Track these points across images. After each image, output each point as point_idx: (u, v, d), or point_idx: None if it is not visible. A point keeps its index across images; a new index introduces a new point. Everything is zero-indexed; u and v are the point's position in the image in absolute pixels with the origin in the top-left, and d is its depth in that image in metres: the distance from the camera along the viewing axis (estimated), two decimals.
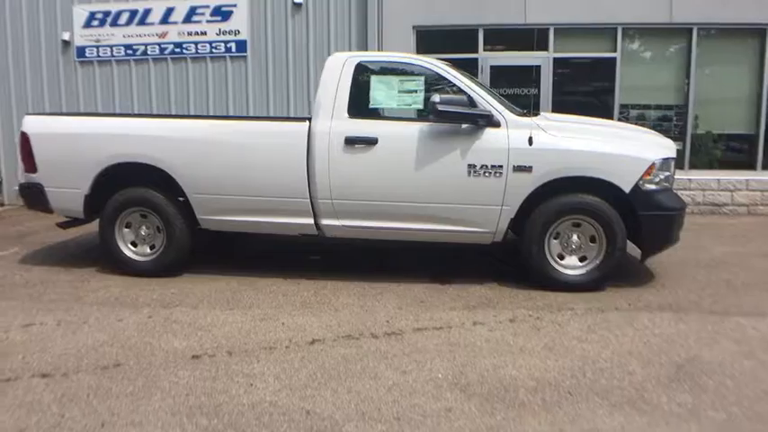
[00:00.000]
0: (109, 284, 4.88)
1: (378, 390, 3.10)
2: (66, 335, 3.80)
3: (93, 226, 5.49)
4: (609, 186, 4.55)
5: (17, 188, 8.07)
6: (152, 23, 8.46)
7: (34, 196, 5.17)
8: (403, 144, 4.63)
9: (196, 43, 8.47)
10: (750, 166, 7.99)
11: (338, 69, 4.75)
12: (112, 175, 4.95)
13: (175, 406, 2.91)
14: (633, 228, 4.65)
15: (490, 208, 4.63)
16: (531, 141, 4.55)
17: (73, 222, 5.49)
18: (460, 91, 4.64)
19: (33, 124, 5.15)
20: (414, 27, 8.10)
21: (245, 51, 8.43)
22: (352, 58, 4.81)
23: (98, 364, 3.38)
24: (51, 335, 3.80)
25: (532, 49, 7.97)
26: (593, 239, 4.67)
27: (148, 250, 5.08)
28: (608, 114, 7.80)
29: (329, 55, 8.09)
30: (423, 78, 4.76)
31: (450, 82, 4.71)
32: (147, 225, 5.05)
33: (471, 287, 4.84)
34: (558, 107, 7.64)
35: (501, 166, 4.55)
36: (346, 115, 4.69)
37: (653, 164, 4.57)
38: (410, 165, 4.62)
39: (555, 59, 7.93)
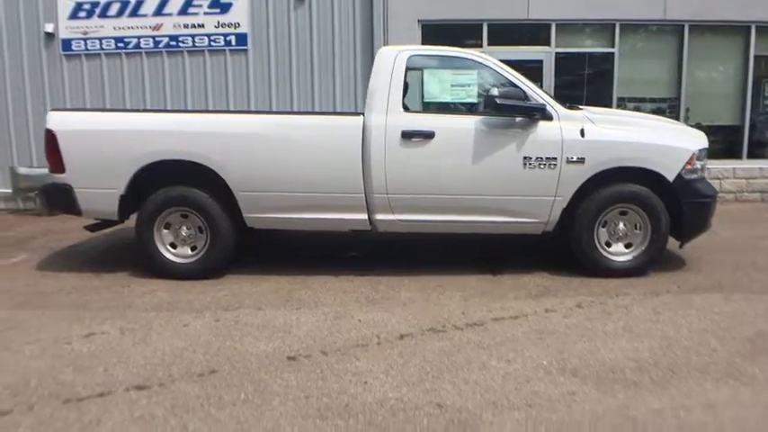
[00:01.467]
0: (152, 289, 4.65)
1: (494, 379, 3.12)
2: (137, 343, 3.60)
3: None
4: (654, 176, 4.73)
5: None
6: (145, 15, 8.05)
7: (61, 198, 4.84)
8: (459, 137, 4.64)
9: (193, 36, 8.13)
10: (736, 155, 8.50)
11: (390, 63, 4.70)
12: (150, 173, 4.72)
13: (301, 409, 2.81)
14: (673, 215, 4.87)
15: (544, 199, 4.71)
16: (583, 133, 4.66)
17: (102, 225, 5.20)
18: (513, 85, 4.69)
19: (60, 121, 4.82)
20: (419, 21, 8.10)
21: (246, 45, 8.17)
22: (404, 51, 4.76)
23: (191, 371, 3.22)
24: (120, 344, 3.58)
25: (535, 44, 8.15)
26: (637, 227, 4.85)
27: (189, 252, 4.87)
28: (607, 107, 8.07)
29: (333, 48, 8.14)
30: (475, 72, 4.79)
31: (502, 76, 4.75)
32: (189, 225, 4.83)
33: (523, 277, 4.93)
34: (559, 101, 7.84)
35: (555, 158, 4.64)
36: (401, 109, 4.65)
37: (693, 154, 4.78)
38: (466, 158, 4.64)
39: (557, 54, 8.14)
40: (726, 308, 4.19)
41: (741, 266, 5.20)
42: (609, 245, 4.87)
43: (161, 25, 8.08)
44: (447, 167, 4.64)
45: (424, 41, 8.16)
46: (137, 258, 5.49)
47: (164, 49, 8.16)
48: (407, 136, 4.60)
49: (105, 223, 5.20)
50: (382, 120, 4.62)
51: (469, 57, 4.85)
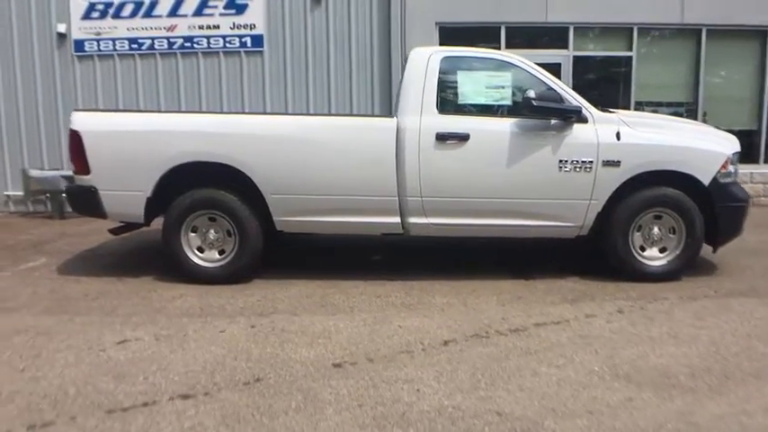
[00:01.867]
0: (181, 293, 4.54)
1: (548, 385, 3.03)
2: (174, 350, 3.49)
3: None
4: (689, 179, 4.68)
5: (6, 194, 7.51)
6: (159, 16, 7.96)
7: (85, 200, 4.72)
8: (495, 140, 4.57)
9: (208, 37, 8.04)
10: (753, 160, 8.47)
11: (423, 64, 4.62)
12: (176, 175, 4.62)
13: (357, 418, 2.71)
14: (706, 220, 4.81)
15: (579, 202, 4.64)
16: (618, 136, 4.60)
17: (125, 228, 5.09)
18: (547, 87, 4.63)
19: (86, 121, 4.70)
20: (437, 24, 8.05)
21: (262, 46, 8.09)
22: (438, 52, 4.69)
23: (235, 379, 3.11)
24: (157, 351, 3.47)
25: (553, 47, 8.11)
26: (672, 231, 4.79)
27: (217, 256, 4.76)
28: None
29: (350, 50, 8.07)
30: (509, 74, 4.71)
31: (537, 78, 4.68)
32: (216, 229, 4.73)
33: (556, 281, 4.85)
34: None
35: (591, 162, 4.57)
36: (435, 111, 4.57)
37: (728, 158, 4.73)
38: (502, 161, 4.56)
39: (575, 57, 8.10)
40: (765, 312, 4.14)
41: (745, 274, 5.13)
42: (643, 249, 4.80)
43: (175, 26, 7.99)
44: (482, 170, 4.57)
45: (442, 44, 8.11)
46: (159, 262, 5.40)
47: (178, 51, 8.07)
48: (442, 138, 4.52)
49: (129, 226, 5.10)
50: (416, 121, 4.54)
51: (504, 58, 4.77)
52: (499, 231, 4.78)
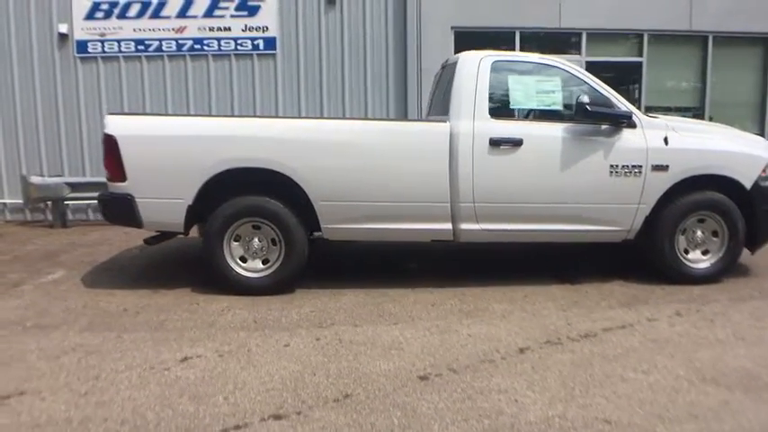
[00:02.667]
0: (226, 306, 4.34)
1: (642, 391, 3.01)
2: (244, 367, 3.30)
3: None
4: (732, 183, 4.72)
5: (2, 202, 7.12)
6: (167, 17, 7.69)
7: (120, 209, 4.47)
8: (547, 145, 4.52)
9: (219, 39, 7.81)
10: None
11: (474, 68, 4.54)
12: (220, 182, 4.43)
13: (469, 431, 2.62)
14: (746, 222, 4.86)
15: (629, 207, 4.63)
16: (666, 141, 4.61)
17: (161, 238, 4.86)
18: (596, 92, 4.61)
19: (122, 125, 4.46)
20: (452, 28, 8.00)
21: (275, 49, 7.90)
22: (488, 57, 4.61)
23: (323, 396, 2.95)
24: (226, 368, 3.27)
25: (566, 53, 8.14)
26: (714, 234, 4.82)
27: (261, 265, 4.57)
28: None
29: (365, 53, 7.95)
30: (558, 79, 4.67)
31: (585, 83, 4.65)
32: (261, 237, 4.55)
33: (602, 286, 4.83)
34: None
35: (641, 166, 4.57)
36: (488, 116, 4.50)
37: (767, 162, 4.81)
38: (554, 166, 4.52)
39: (587, 63, 8.15)
40: None
41: None
42: (687, 252, 4.83)
43: (185, 28, 7.73)
44: (535, 175, 4.51)
45: (457, 48, 8.07)
46: (189, 272, 5.22)
47: (187, 53, 7.81)
48: (496, 143, 4.45)
49: (164, 236, 4.87)
50: (469, 126, 4.46)
51: (552, 63, 4.73)
52: (549, 237, 4.73)
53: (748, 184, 4.71)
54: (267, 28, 7.84)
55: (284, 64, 7.94)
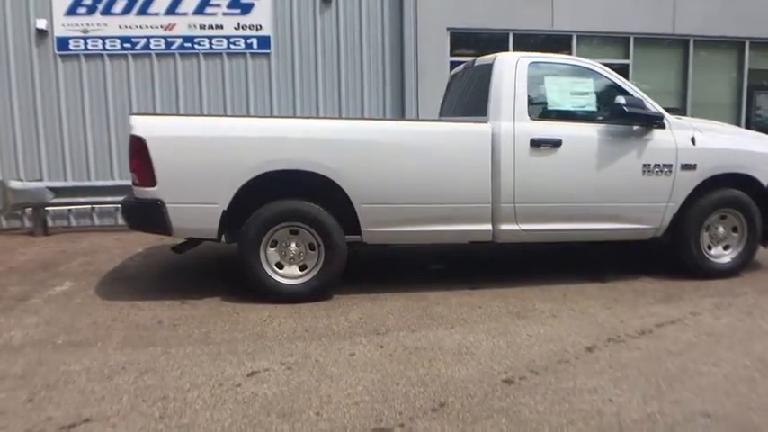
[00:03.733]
0: (268, 315, 4.14)
1: (722, 383, 3.10)
2: (319, 378, 3.14)
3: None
4: (751, 180, 4.93)
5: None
6: (156, 14, 7.31)
7: (149, 215, 4.19)
8: (584, 145, 4.57)
9: (210, 38, 7.49)
10: None
11: (512, 69, 4.53)
12: (256, 186, 4.23)
13: None
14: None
15: (659, 205, 4.75)
16: (693, 141, 4.76)
17: (189, 244, 4.59)
18: (629, 94, 4.69)
19: (151, 126, 4.18)
20: (448, 29, 8.01)
21: (269, 48, 7.65)
22: (524, 58, 4.62)
23: (417, 406, 2.83)
24: (301, 381, 3.10)
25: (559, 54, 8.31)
26: (734, 230, 5.01)
27: (298, 271, 4.40)
28: None
29: (361, 53, 7.85)
30: (591, 80, 4.74)
31: (617, 85, 4.75)
32: (298, 242, 4.38)
33: (632, 283, 4.92)
34: None
35: (671, 165, 4.70)
36: (528, 117, 4.50)
37: None
38: (591, 166, 4.58)
39: None
40: None
41: None
42: (710, 248, 5.00)
43: (174, 25, 7.38)
44: (573, 176, 4.55)
45: (452, 49, 8.10)
46: (207, 279, 4.99)
47: (177, 51, 7.45)
48: (536, 144, 4.46)
49: (192, 243, 4.61)
50: (510, 127, 4.45)
51: (585, 64, 4.80)
52: (583, 236, 4.79)
53: (765, 182, 4.94)
54: (261, 27, 7.59)
55: (279, 64, 7.71)
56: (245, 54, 7.62)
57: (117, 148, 7.48)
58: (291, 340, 3.70)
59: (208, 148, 4.16)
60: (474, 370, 3.26)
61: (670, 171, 4.69)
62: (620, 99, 4.50)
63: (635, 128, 4.64)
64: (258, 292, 4.39)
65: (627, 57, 8.57)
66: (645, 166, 4.65)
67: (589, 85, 4.72)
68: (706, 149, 4.77)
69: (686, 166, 4.72)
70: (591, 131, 4.60)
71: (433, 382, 3.12)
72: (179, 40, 7.43)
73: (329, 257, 4.35)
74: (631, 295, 4.61)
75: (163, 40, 7.40)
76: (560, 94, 4.66)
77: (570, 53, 8.40)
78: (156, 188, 4.14)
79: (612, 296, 4.58)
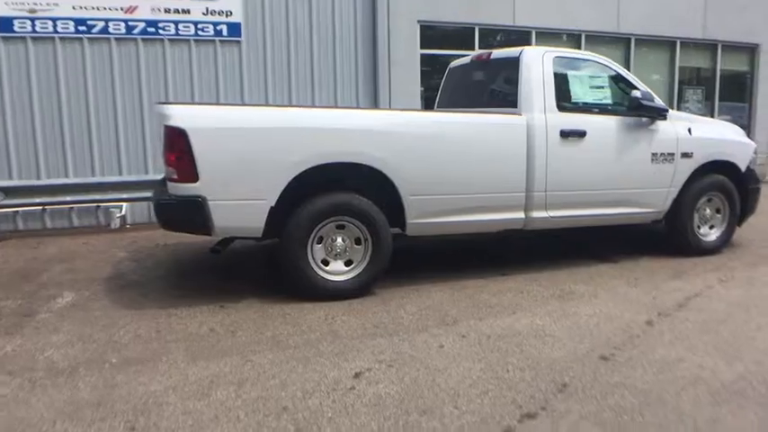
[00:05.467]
0: (326, 314, 3.96)
1: None
2: (430, 373, 3.08)
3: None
4: (732, 167, 5.49)
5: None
6: None
7: (189, 214, 3.84)
8: (605, 136, 4.86)
9: (176, 23, 6.92)
10: None
11: (539, 62, 4.69)
12: (305, 180, 4.03)
13: (715, 395, 2.79)
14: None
15: (663, 190, 5.17)
16: (690, 132, 5.23)
17: (225, 243, 4.27)
18: (636, 87, 5.04)
19: (193, 116, 3.82)
20: (418, 21, 8.05)
21: (239, 36, 7.22)
22: (548, 52, 4.80)
23: (544, 389, 2.88)
24: (413, 377, 3.04)
25: None
26: (717, 211, 5.57)
27: (344, 267, 4.27)
28: None
29: (334, 44, 7.67)
30: (605, 75, 5.05)
31: (627, 80, 5.09)
32: (344, 237, 4.24)
33: (638, 262, 5.31)
34: None
35: (673, 154, 5.13)
36: (556, 108, 4.69)
37: (755, 148, 5.70)
38: (611, 155, 4.88)
39: None
40: None
41: None
42: (698, 228, 5.52)
43: (136, 8, 6.72)
44: (595, 164, 4.83)
45: (423, 41, 8.16)
46: (228, 280, 4.71)
47: (139, 36, 6.80)
48: (565, 135, 4.67)
49: (228, 242, 4.29)
50: (542, 119, 4.62)
51: (600, 60, 5.11)
52: (601, 220, 5.09)
53: (743, 168, 5.54)
54: (231, 13, 7.15)
55: (250, 52, 7.32)
56: (214, 41, 7.15)
57: (71, 141, 6.72)
58: (369, 337, 3.59)
59: (255, 140, 3.90)
60: (564, 351, 3.39)
61: (672, 159, 5.13)
62: (636, 92, 4.84)
63: (643, 119, 5.02)
64: (304, 291, 4.20)
65: None
66: (653, 154, 5.04)
67: (604, 79, 5.03)
68: (700, 139, 5.27)
69: (685, 155, 5.18)
70: (610, 123, 4.90)
71: (538, 365, 3.20)
72: (141, 25, 6.80)
73: (377, 251, 4.26)
74: (645, 273, 4.98)
75: (123, 24, 6.72)
76: (581, 87, 4.92)
77: None
78: (197, 184, 3.81)
79: (631, 276, 4.92)
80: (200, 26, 7.06)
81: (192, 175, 3.80)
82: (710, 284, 4.68)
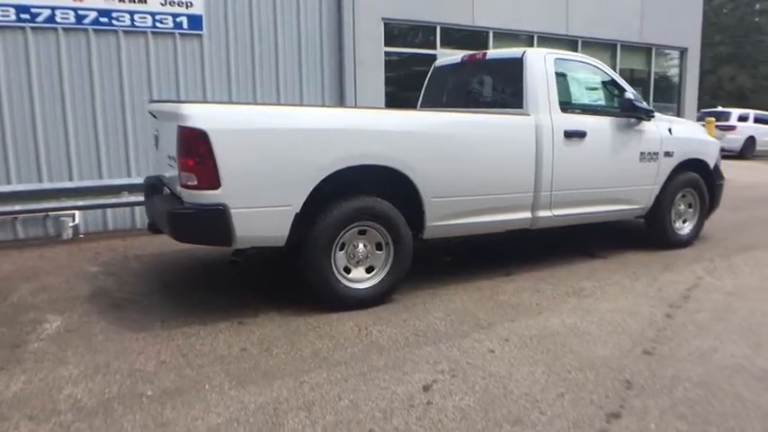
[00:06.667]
0: (356, 324, 3.79)
1: None
2: (495, 380, 3.03)
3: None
4: (703, 164, 5.88)
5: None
6: None
7: (209, 224, 3.50)
8: (603, 136, 5.03)
9: (132, 13, 6.30)
10: None
11: (542, 65, 4.75)
12: (329, 184, 3.81)
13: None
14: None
15: (648, 188, 5.45)
16: (671, 131, 5.54)
17: (242, 253, 3.94)
18: (625, 89, 5.25)
19: (214, 117, 3.47)
20: (383, 19, 7.93)
21: (201, 29, 6.72)
22: (550, 54, 4.87)
23: (612, 387, 2.93)
24: (478, 387, 2.97)
25: (477, 48, 8.78)
26: (689, 206, 5.95)
27: (365, 274, 4.10)
28: None
29: (299, 39, 7.40)
30: (598, 77, 5.21)
31: (617, 82, 5.28)
32: (365, 243, 4.06)
33: (625, 257, 5.54)
34: None
35: (657, 153, 5.41)
36: (559, 110, 4.77)
37: (720, 146, 6.15)
38: (606, 154, 5.06)
39: None
40: None
41: (734, 234, 6.63)
42: (673, 222, 5.86)
43: None
44: (594, 164, 4.99)
45: (387, 38, 8.06)
46: (229, 293, 4.42)
47: (90, 27, 6.13)
48: (568, 135, 4.77)
49: (243, 252, 3.96)
50: (548, 119, 4.69)
51: (593, 62, 5.26)
52: (596, 218, 5.26)
53: (712, 165, 5.96)
54: (191, 4, 6.65)
55: (212, 46, 6.85)
56: (173, 34, 6.61)
57: (13, 144, 5.96)
58: (414, 347, 3.47)
59: (282, 142, 3.62)
60: (609, 348, 3.46)
61: (657, 157, 5.41)
62: (629, 94, 5.05)
63: (632, 120, 5.24)
64: (329, 301, 3.99)
65: None
66: (641, 153, 5.29)
67: (597, 81, 5.20)
68: (679, 139, 5.60)
69: (667, 153, 5.48)
70: (605, 123, 5.08)
71: (593, 364, 3.25)
72: (93, 14, 6.14)
73: (398, 256, 4.13)
74: (639, 268, 5.18)
75: (72, 13, 6.03)
76: (578, 88, 5.05)
77: (487, 47, 9.00)
78: (218, 191, 3.49)
79: (628, 270, 5.10)
80: (158, 17, 6.50)
81: (214, 182, 3.47)
82: (700, 276, 4.98)
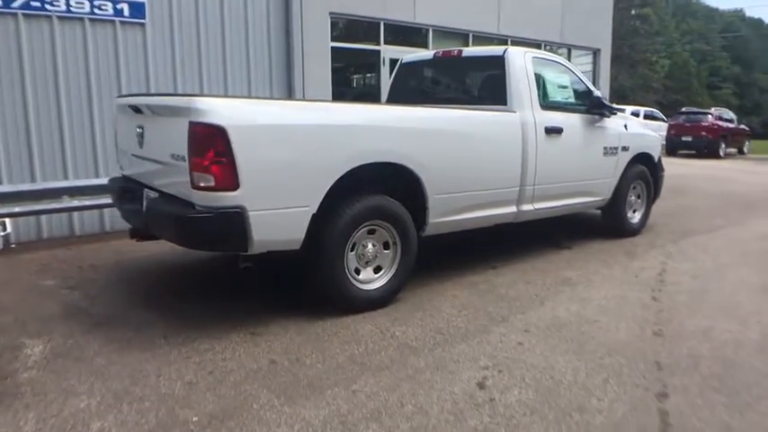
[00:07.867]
0: (377, 326, 3.70)
1: None
2: (539, 372, 3.10)
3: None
4: (649, 158, 6.38)
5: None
6: None
7: (226, 228, 3.23)
8: (576, 132, 5.28)
9: None
10: None
11: (523, 63, 4.89)
12: (344, 182, 3.66)
13: None
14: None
15: (608, 180, 5.82)
16: (626, 127, 5.95)
17: (253, 258, 3.65)
18: (590, 89, 5.55)
19: (232, 112, 3.18)
20: (330, 13, 7.73)
21: (143, 17, 6.14)
22: (528, 53, 5.02)
23: (645, 370, 3.11)
24: (528, 380, 3.03)
25: (417, 46, 8.86)
26: (638, 196, 6.43)
27: (373, 274, 4.00)
28: None
29: (246, 29, 7.09)
30: (566, 76, 5.45)
31: (582, 80, 5.57)
32: (374, 242, 3.96)
33: (590, 246, 5.89)
34: None
35: (616, 147, 5.79)
36: (539, 107, 4.93)
37: (663, 142, 6.70)
38: (578, 149, 5.33)
39: None
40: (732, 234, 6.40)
41: (672, 222, 7.23)
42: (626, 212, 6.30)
43: None
44: (568, 159, 5.23)
45: (333, 33, 7.88)
46: (221, 302, 4.17)
47: (19, 11, 5.38)
48: (548, 131, 4.96)
49: (249, 258, 3.68)
50: (530, 116, 4.84)
51: (562, 62, 5.50)
52: (567, 209, 5.52)
53: (656, 158, 6.49)
54: None
55: (155, 35, 6.30)
56: (113, 21, 6.00)
57: None
58: (446, 345, 3.45)
59: (303, 139, 3.43)
60: (623, 333, 3.68)
61: (616, 152, 5.79)
62: (597, 92, 5.35)
63: (595, 117, 5.56)
64: (341, 304, 3.85)
65: None
66: (605, 148, 5.64)
67: (566, 79, 5.45)
68: (634, 134, 6.04)
69: (624, 148, 5.88)
70: (577, 120, 5.34)
71: (617, 348, 3.43)
72: None
73: (405, 254, 4.09)
74: (607, 256, 5.51)
75: None
76: (552, 86, 5.26)
77: (427, 46, 9.10)
78: (237, 192, 3.23)
79: (598, 258, 5.43)
80: (96, 3, 5.87)
81: (233, 182, 3.20)
82: (663, 261, 5.40)
